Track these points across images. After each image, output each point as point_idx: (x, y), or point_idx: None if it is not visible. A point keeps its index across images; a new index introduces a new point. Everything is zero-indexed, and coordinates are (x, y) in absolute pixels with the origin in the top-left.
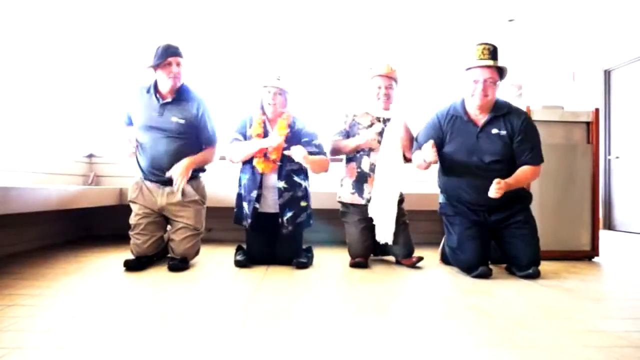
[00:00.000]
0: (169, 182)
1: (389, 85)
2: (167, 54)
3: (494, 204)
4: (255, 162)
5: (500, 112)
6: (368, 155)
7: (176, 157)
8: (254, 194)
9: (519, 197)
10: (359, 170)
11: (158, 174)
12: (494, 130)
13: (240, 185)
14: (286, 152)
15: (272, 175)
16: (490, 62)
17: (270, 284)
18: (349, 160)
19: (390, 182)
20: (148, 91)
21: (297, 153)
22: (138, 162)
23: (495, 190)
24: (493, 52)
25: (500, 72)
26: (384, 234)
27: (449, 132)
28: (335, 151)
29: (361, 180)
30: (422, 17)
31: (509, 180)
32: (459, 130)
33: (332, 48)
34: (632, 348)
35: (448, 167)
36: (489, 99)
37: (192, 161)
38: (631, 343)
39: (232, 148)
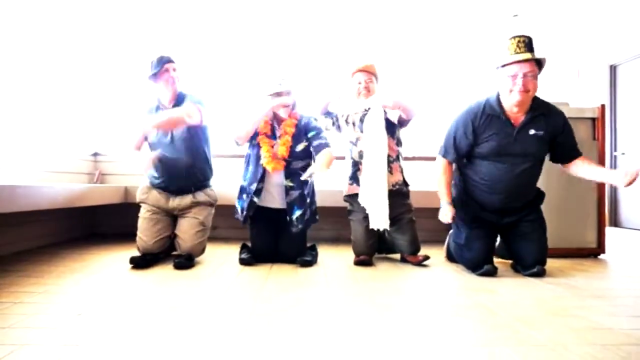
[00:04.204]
0: (180, 191)
1: (368, 80)
2: (163, 62)
3: (511, 207)
4: (264, 161)
5: (539, 111)
6: (355, 144)
7: (191, 165)
8: (254, 186)
9: (534, 199)
10: (351, 160)
11: (172, 182)
12: (532, 131)
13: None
14: (306, 177)
15: (277, 172)
16: (528, 55)
17: (274, 281)
18: (347, 153)
19: (378, 168)
20: (153, 109)
21: (316, 171)
22: (150, 174)
23: (629, 181)
24: (529, 44)
25: (539, 64)
26: (379, 221)
27: (483, 131)
28: None
29: (354, 169)
30: (425, 13)
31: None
32: (494, 131)
33: (331, 45)
34: (639, 346)
35: (474, 168)
36: (530, 95)
37: (170, 115)
38: (638, 341)
39: (236, 125)
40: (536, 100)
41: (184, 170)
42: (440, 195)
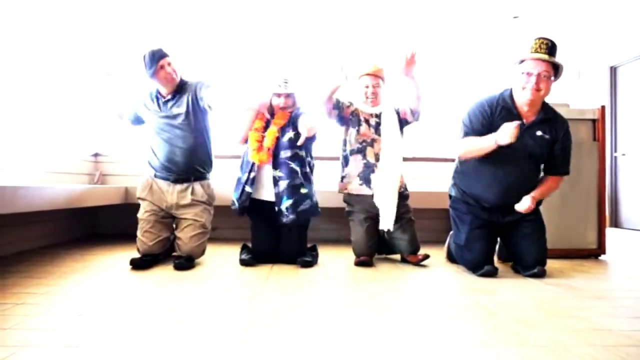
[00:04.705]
0: (179, 179)
1: (376, 84)
2: (156, 59)
3: (510, 203)
4: (250, 154)
5: (547, 115)
6: (371, 145)
7: (190, 153)
8: (246, 176)
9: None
10: (364, 161)
11: (171, 170)
12: (539, 132)
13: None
14: (301, 142)
15: (268, 164)
16: (546, 57)
17: (275, 282)
18: (354, 152)
19: (393, 172)
20: (152, 96)
21: (304, 128)
22: (149, 160)
23: (526, 208)
24: (551, 48)
25: (556, 69)
26: (388, 221)
27: (496, 120)
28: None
29: (368, 171)
30: (425, 14)
31: (536, 194)
32: (505, 123)
33: (331, 44)
34: (639, 347)
35: (477, 161)
36: (542, 94)
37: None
38: (638, 342)
39: (235, 126)
40: (547, 105)
41: (184, 156)
42: (485, 141)
